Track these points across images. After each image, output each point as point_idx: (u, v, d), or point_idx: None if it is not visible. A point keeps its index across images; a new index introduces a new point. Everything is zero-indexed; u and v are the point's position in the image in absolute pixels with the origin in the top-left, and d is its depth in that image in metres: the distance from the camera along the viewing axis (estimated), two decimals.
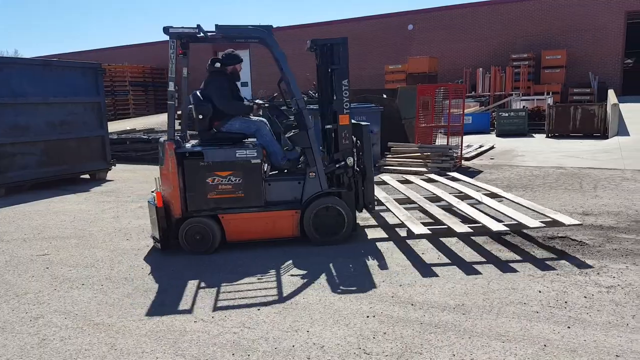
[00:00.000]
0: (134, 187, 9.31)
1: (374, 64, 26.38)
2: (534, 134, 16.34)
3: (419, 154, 10.59)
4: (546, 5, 22.34)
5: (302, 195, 5.08)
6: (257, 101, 5.58)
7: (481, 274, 4.31)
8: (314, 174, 5.05)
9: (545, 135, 15.56)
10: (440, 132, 12.01)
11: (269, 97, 5.67)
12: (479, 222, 5.06)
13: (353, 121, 5.31)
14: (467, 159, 11.39)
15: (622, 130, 14.40)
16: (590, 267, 4.33)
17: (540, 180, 8.47)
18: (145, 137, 13.27)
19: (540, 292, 3.87)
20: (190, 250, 4.97)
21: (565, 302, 3.67)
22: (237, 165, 4.89)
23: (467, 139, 15.79)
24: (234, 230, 5.02)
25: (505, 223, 5.08)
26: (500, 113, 16.60)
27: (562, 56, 20.94)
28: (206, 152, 4.87)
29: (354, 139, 5.32)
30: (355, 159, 5.32)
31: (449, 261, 4.67)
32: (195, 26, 4.69)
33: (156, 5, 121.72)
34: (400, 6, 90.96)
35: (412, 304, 3.74)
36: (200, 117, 5.09)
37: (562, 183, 8.09)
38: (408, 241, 5.30)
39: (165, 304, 3.94)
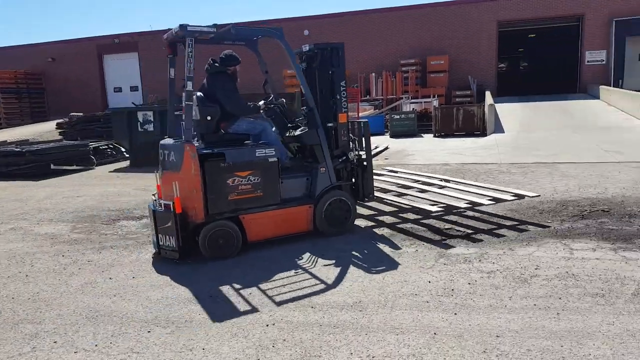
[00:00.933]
0: (5, 207, 8.27)
1: (273, 68, 26.36)
2: (422, 134, 17.47)
3: None
4: (429, 14, 24.07)
5: (315, 190, 5.24)
6: (260, 103, 5.55)
7: (378, 269, 4.44)
8: (324, 169, 5.26)
9: (432, 135, 16.71)
10: None
11: (268, 99, 5.68)
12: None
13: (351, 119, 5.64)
14: None
15: (498, 128, 15.94)
16: (473, 254, 4.66)
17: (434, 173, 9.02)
18: (17, 149, 11.89)
19: (429, 282, 4.07)
20: (210, 256, 4.74)
21: (452, 289, 3.90)
22: (256, 165, 4.87)
23: None
24: (255, 230, 4.95)
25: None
26: (392, 115, 17.51)
27: (445, 61, 22.69)
28: (228, 153, 4.77)
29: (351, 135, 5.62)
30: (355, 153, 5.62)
31: (351, 259, 4.75)
32: (212, 25, 4.75)
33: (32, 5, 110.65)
34: (296, 11, 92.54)
35: (312, 307, 3.72)
36: (209, 118, 4.99)
37: (449, 176, 8.69)
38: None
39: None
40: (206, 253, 4.73)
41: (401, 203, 6.39)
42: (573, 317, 3.29)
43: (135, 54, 29.23)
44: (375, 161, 11.59)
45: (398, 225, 5.82)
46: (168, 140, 5.04)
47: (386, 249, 5.01)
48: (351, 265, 4.57)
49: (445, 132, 16.45)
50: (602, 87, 20.50)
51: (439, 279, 4.13)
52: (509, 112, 18.36)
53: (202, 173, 4.66)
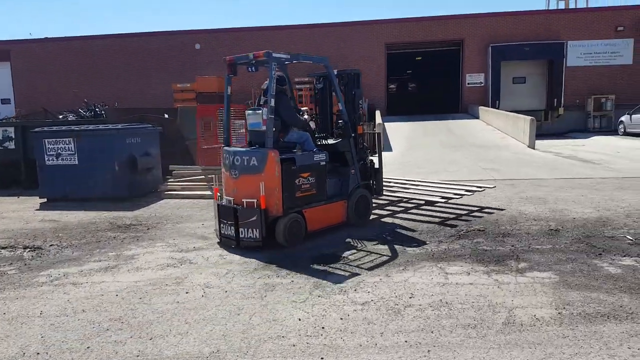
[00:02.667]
0: None
1: (163, 82, 25.02)
2: None
3: (203, 176, 10.02)
4: (321, 34, 24.46)
5: (347, 188, 6.26)
6: (305, 117, 6.27)
7: (245, 307, 3.90)
8: (354, 171, 6.32)
9: None
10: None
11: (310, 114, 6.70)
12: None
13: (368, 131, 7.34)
14: None
15: (387, 146, 16.38)
16: (349, 283, 4.33)
17: None
18: None
19: (300, 320, 3.63)
20: (285, 243, 5.42)
21: (323, 327, 3.49)
22: (313, 168, 5.71)
23: None
24: (312, 222, 5.74)
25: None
26: None
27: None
28: (297, 158, 5.56)
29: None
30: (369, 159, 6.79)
31: (218, 291, 4.16)
32: (288, 53, 5.90)
33: None
34: (187, 24, 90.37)
35: None
36: (273, 130, 5.49)
37: None
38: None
39: None
40: (282, 241, 5.43)
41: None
42: (444, 355, 3.02)
43: (7, 64, 26.14)
44: None
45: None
46: (237, 148, 5.88)
47: (259, 281, 4.50)
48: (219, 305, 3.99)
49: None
50: (481, 107, 22.19)
51: (310, 315, 3.70)
52: (397, 130, 19.06)
53: (280, 174, 5.38)
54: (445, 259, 4.88)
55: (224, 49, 25.33)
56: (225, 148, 5.86)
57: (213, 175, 9.67)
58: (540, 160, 12.37)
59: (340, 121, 6.35)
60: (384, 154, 15.11)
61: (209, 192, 9.29)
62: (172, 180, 10.27)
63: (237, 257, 5.23)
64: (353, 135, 6.29)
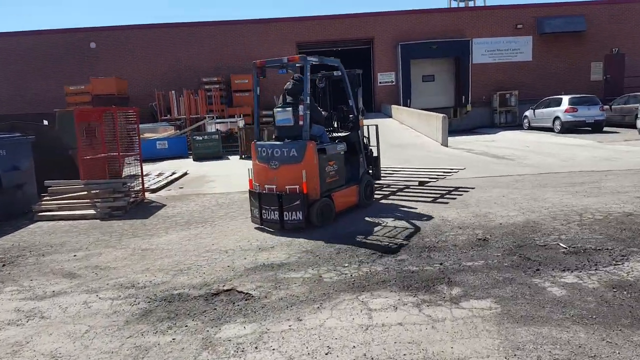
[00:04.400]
0: None
1: (55, 83, 22.30)
2: (229, 156, 16.23)
3: (86, 192, 8.46)
4: (232, 32, 23.13)
5: (358, 173, 7.03)
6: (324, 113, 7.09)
7: None
8: (362, 159, 7.16)
9: (239, 156, 15.57)
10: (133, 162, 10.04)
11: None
12: None
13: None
14: (154, 191, 9.88)
15: None
16: (249, 337, 3.33)
17: (224, 209, 7.64)
18: None
19: None
20: (320, 223, 6.09)
21: None
22: (337, 156, 6.53)
23: (162, 166, 14.40)
24: (338, 204, 6.47)
25: None
26: (194, 137, 15.82)
27: (249, 81, 21.93)
28: (327, 148, 6.38)
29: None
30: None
31: None
32: (317, 58, 6.45)
33: None
34: (82, 22, 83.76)
35: None
36: (301, 123, 6.13)
37: (244, 211, 7.42)
38: None
39: None
40: (317, 221, 6.05)
41: None
42: None
43: None
44: (167, 192, 9.79)
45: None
46: (272, 142, 6.33)
47: (128, 342, 3.35)
48: None
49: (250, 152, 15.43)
50: (393, 106, 22.19)
51: None
52: None
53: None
54: (368, 287, 4.05)
55: (122, 47, 23.13)
56: (259, 142, 6.46)
57: (97, 191, 8.18)
58: (455, 158, 12.19)
59: (351, 116, 7.29)
60: None
61: (91, 211, 7.82)
62: (47, 198, 8.59)
63: (106, 305, 4.01)
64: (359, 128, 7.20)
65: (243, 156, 15.47)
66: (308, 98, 6.10)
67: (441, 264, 4.54)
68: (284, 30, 23.29)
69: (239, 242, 5.66)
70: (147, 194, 9.51)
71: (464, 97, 23.32)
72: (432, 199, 7.49)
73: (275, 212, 6.01)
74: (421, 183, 8.64)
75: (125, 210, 7.88)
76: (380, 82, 23.82)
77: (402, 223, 6.08)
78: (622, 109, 18.56)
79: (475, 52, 23.31)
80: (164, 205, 8.31)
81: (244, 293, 3.99)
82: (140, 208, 8.24)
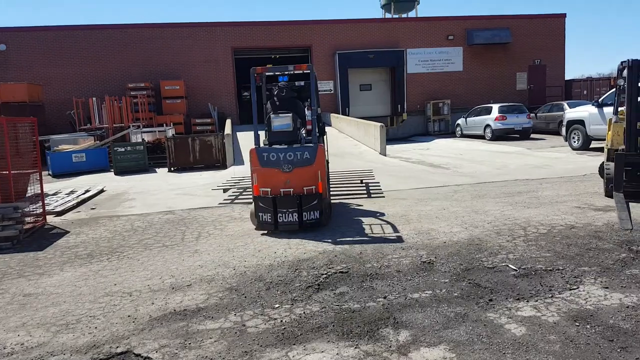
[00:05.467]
0: None
1: None
2: (157, 169, 15.00)
3: None
4: (160, 35, 21.79)
5: None
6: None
7: None
8: None
9: (167, 169, 14.42)
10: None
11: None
12: None
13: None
14: (60, 213, 8.63)
15: (238, 159, 14.70)
16: None
17: (139, 235, 6.67)
18: None
19: None
20: (327, 222, 6.48)
21: None
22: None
23: (77, 182, 12.98)
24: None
25: None
26: (115, 148, 14.46)
27: (181, 87, 20.74)
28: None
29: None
30: None
31: None
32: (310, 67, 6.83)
33: None
34: None
35: None
36: (309, 128, 6.80)
37: (162, 237, 6.51)
38: None
39: None
40: (326, 220, 6.45)
41: None
42: None
43: None
44: (76, 214, 8.59)
45: None
46: (280, 146, 6.48)
47: None
48: None
49: (181, 165, 14.36)
50: (332, 114, 21.83)
51: None
52: (249, 141, 17.50)
53: None
54: (301, 337, 3.37)
55: (37, 50, 21.08)
56: (261, 148, 6.44)
57: None
58: (393, 168, 11.89)
59: (321, 123, 7.25)
60: (234, 168, 13.59)
61: None
62: None
63: None
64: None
65: (172, 168, 14.34)
66: (316, 101, 6.85)
67: (385, 297, 3.97)
68: (219, 34, 22.28)
69: (148, 280, 4.78)
70: (50, 218, 8.28)
71: (399, 105, 23.45)
72: (371, 213, 6.98)
73: (294, 214, 6.12)
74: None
75: (17, 240, 6.69)
76: (319, 91, 23.46)
77: (343, 248, 5.47)
78: (546, 117, 19.34)
79: (409, 62, 23.55)
80: (67, 232, 7.17)
81: (142, 357, 3.16)
82: (38, 236, 7.06)
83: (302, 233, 6.14)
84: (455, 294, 3.96)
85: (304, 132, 6.84)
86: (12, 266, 5.62)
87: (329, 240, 5.74)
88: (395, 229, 6.09)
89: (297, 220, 6.13)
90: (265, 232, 6.30)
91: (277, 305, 3.93)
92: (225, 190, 9.97)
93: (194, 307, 4.02)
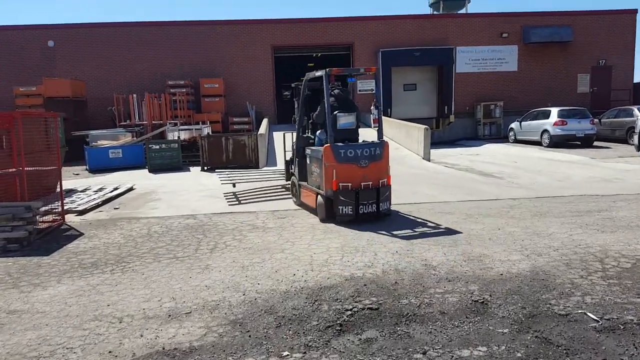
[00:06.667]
0: None
1: (4, 84, 20.36)
2: (191, 167, 14.60)
3: None
4: (201, 33, 21.53)
5: None
6: None
7: None
8: None
9: (200, 168, 13.97)
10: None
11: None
12: None
13: None
14: (82, 212, 8.22)
15: (271, 160, 14.05)
16: None
17: (152, 243, 6.06)
18: None
19: None
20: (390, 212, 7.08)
21: None
22: None
23: (111, 178, 12.72)
24: None
25: None
26: (150, 145, 14.14)
27: (220, 85, 20.37)
28: None
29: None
30: None
31: None
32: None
33: None
34: (38, 18, 79.91)
35: None
36: (375, 126, 7.41)
37: (176, 246, 5.86)
38: None
39: None
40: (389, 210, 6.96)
41: None
42: None
43: None
44: (97, 214, 8.13)
45: None
46: (356, 143, 6.91)
47: None
48: None
49: (214, 164, 13.86)
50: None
51: None
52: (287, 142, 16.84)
53: None
54: None
55: (83, 46, 21.34)
56: (337, 145, 6.66)
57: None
58: (438, 175, 10.85)
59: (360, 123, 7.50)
60: (267, 169, 12.92)
61: None
62: None
63: None
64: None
65: (205, 168, 13.88)
66: (381, 101, 7.50)
67: (424, 352, 3.08)
68: (258, 32, 21.78)
69: (146, 302, 4.10)
70: (71, 217, 7.87)
71: (446, 107, 22.13)
72: (410, 232, 6.05)
73: (373, 205, 6.62)
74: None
75: (27, 242, 6.24)
76: (360, 90, 22.44)
77: (374, 274, 4.60)
78: (611, 123, 17.59)
79: (459, 60, 22.17)
80: (81, 235, 6.68)
81: None
82: (50, 238, 6.59)
83: (328, 253, 5.32)
84: (519, 354, 3.02)
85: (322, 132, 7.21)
86: (11, 273, 5.12)
87: (360, 263, 4.88)
88: (439, 252, 5.15)
89: (375, 210, 6.65)
90: (296, 240, 5.52)
91: (285, 353, 3.12)
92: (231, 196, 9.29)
93: (187, 346, 3.28)
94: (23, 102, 19.10)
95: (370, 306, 3.80)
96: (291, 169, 8.38)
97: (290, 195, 8.52)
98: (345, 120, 6.95)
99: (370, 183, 6.65)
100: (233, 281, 4.52)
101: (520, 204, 7.55)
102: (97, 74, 21.14)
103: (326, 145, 6.67)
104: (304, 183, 7.57)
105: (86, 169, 14.90)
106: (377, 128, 7.40)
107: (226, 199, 8.96)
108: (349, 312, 3.71)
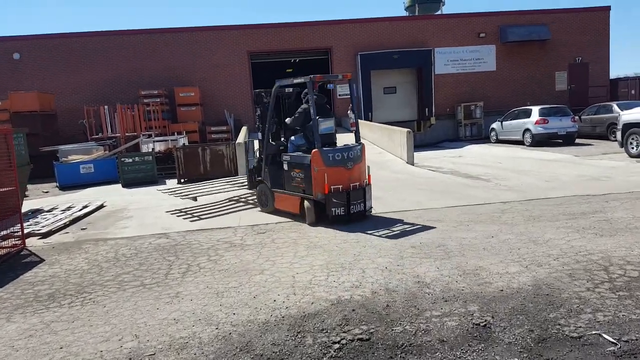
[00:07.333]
0: None
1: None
2: (167, 180, 13.99)
3: None
4: (175, 41, 20.95)
5: None
6: None
7: None
8: None
9: (177, 180, 13.38)
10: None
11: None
12: None
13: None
14: (45, 235, 7.60)
15: None
16: None
17: (118, 268, 5.51)
18: None
19: None
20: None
21: None
22: None
23: (81, 195, 12.05)
24: None
25: None
26: (122, 159, 13.50)
27: (196, 93, 19.78)
28: None
29: None
30: None
31: None
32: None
33: None
34: (3, 30, 78.27)
35: None
36: (353, 129, 7.74)
37: (144, 270, 5.34)
38: None
39: None
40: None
41: None
42: None
43: None
44: (63, 235, 7.53)
45: None
46: (340, 146, 7.09)
47: None
48: None
49: (191, 176, 13.29)
50: None
51: None
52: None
53: None
54: None
55: (50, 58, 20.54)
56: (325, 149, 6.80)
57: None
58: (423, 180, 10.49)
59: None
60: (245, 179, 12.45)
61: None
62: None
63: None
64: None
65: (182, 180, 13.30)
66: (355, 106, 7.66)
67: None
68: (234, 38, 21.29)
69: (104, 342, 3.59)
70: (34, 241, 7.26)
71: (427, 109, 21.94)
72: (399, 243, 5.64)
73: (361, 204, 6.93)
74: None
75: None
76: (339, 95, 22.12)
77: (362, 296, 4.17)
78: (592, 120, 17.57)
79: (437, 62, 22.02)
80: (41, 261, 6.09)
81: None
82: (6, 267, 5.99)
83: (312, 272, 4.87)
84: None
85: (299, 137, 7.45)
86: None
87: (347, 283, 4.43)
88: (431, 266, 4.75)
89: (363, 209, 6.96)
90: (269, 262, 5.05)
91: None
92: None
93: None
94: None
95: (361, 336, 3.36)
96: (254, 177, 8.24)
97: (251, 205, 8.50)
98: (325, 125, 7.08)
99: (358, 184, 6.95)
100: (205, 312, 4.03)
101: (511, 207, 7.22)
102: (66, 86, 20.38)
103: (314, 150, 6.78)
104: (278, 190, 7.53)
105: (56, 186, 14.19)
106: (354, 131, 7.63)
107: (182, 216, 8.43)
108: (337, 346, 3.26)
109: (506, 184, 9.35)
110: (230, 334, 3.59)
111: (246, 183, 9.58)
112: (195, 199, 10.02)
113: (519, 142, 17.36)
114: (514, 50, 22.47)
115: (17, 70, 20.56)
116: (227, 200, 9.41)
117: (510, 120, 18.15)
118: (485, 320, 3.50)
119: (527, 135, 16.82)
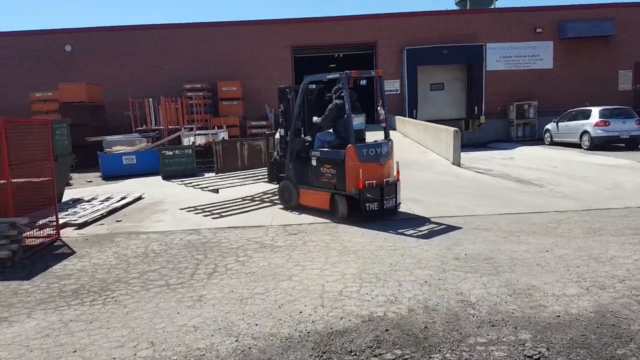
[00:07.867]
0: None
1: (21, 90, 20.26)
2: (206, 173, 14.00)
3: None
4: (219, 35, 21.03)
5: None
6: None
7: None
8: None
9: (215, 173, 13.34)
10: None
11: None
12: None
13: None
14: (81, 225, 7.63)
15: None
16: None
17: (146, 265, 5.36)
18: None
19: None
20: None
21: None
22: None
23: (122, 186, 12.20)
24: None
25: None
26: (163, 152, 13.59)
27: (238, 88, 19.78)
28: None
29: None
30: None
31: None
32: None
33: None
34: (54, 23, 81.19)
35: None
36: (383, 125, 7.70)
37: (171, 269, 5.15)
38: None
39: None
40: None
41: None
42: None
43: None
44: (98, 227, 7.52)
45: None
46: (374, 142, 7.17)
47: None
48: None
49: (229, 169, 13.21)
50: (397, 117, 19.93)
51: None
52: None
53: None
54: None
55: (100, 51, 21.12)
56: (360, 145, 6.92)
57: None
58: (470, 183, 9.86)
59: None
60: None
61: None
62: None
63: None
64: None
65: (219, 174, 13.25)
66: (386, 103, 7.49)
67: None
68: (277, 32, 21.14)
69: (119, 348, 3.38)
70: (69, 231, 7.28)
71: (476, 107, 20.96)
72: (441, 254, 5.17)
73: (393, 199, 7.00)
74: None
75: (11, 262, 5.64)
76: (385, 92, 21.55)
77: (398, 312, 3.76)
78: None
79: (489, 58, 20.98)
80: (72, 254, 6.04)
81: None
82: (39, 257, 5.99)
83: (343, 282, 4.50)
84: None
85: (328, 134, 7.59)
86: None
87: (381, 297, 4.04)
88: (477, 283, 4.27)
89: (394, 204, 7.05)
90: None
91: None
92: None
93: None
94: (39, 107, 18.96)
95: (391, 358, 2.97)
96: (275, 170, 8.31)
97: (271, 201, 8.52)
98: (357, 121, 7.12)
99: (390, 179, 7.01)
100: (227, 320, 3.76)
101: (568, 217, 6.55)
102: (114, 78, 20.88)
103: (349, 145, 6.80)
104: (304, 186, 7.57)
105: (100, 176, 14.50)
106: (384, 127, 7.64)
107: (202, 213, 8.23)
108: None
109: (562, 190, 8.61)
110: (250, 348, 3.28)
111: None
112: (216, 191, 10.07)
113: (576, 145, 16.23)
114: (573, 47, 21.08)
115: (68, 62, 21.25)
116: (261, 194, 9.18)
117: (567, 121, 17.00)
118: (539, 353, 3.02)
119: (586, 137, 15.67)
